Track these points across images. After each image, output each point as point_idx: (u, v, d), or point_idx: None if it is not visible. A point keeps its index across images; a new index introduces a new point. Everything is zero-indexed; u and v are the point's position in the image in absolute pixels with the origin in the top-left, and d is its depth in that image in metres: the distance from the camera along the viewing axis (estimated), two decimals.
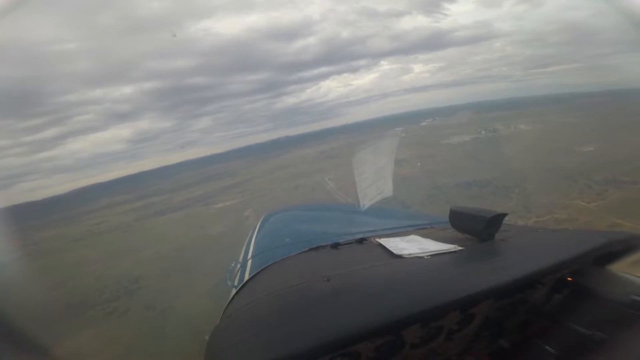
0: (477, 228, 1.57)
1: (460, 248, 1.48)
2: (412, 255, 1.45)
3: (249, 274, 1.95)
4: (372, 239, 1.87)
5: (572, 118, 54.67)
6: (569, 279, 1.38)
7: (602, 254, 1.33)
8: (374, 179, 2.45)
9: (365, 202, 2.45)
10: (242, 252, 2.84)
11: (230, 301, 1.56)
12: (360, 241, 1.91)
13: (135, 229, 49.23)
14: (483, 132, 56.47)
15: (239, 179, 67.80)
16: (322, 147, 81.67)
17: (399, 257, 1.47)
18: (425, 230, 2.15)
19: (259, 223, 3.59)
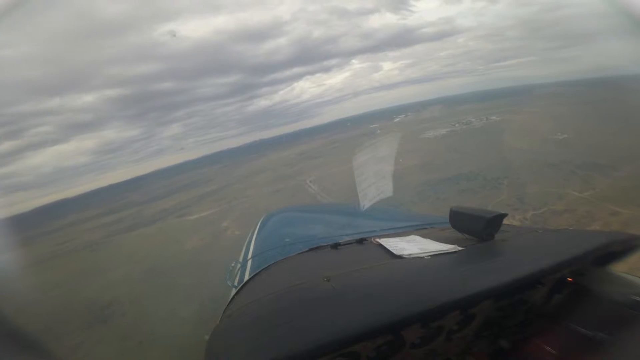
0: (477, 228, 1.57)
1: (460, 248, 1.48)
2: (412, 256, 1.46)
3: (249, 274, 1.93)
4: (372, 239, 1.86)
5: (537, 108, 56.65)
6: (569, 279, 1.38)
7: (602, 254, 1.34)
8: (373, 179, 2.44)
9: (365, 202, 2.43)
10: (242, 252, 2.77)
11: (230, 301, 1.53)
12: (360, 241, 1.90)
13: (105, 247, 45.50)
14: (457, 124, 57.59)
15: (214, 186, 64.75)
16: (299, 149, 79.97)
17: (399, 257, 1.48)
18: (425, 230, 2.14)
19: (259, 223, 3.52)
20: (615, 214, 18.13)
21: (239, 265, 2.47)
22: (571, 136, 36.03)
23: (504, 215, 1.56)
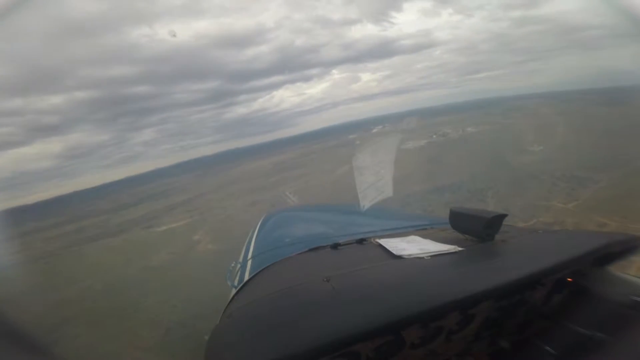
0: (477, 229, 1.59)
1: (460, 249, 1.49)
2: (412, 256, 1.47)
3: (249, 274, 1.92)
4: (372, 240, 1.87)
5: (509, 119, 57.95)
6: (568, 279, 1.40)
7: (602, 254, 1.36)
8: (373, 180, 2.48)
9: (365, 203, 2.50)
10: (242, 252, 2.79)
11: (230, 301, 1.52)
12: (360, 242, 1.91)
13: (62, 259, 41.46)
14: (434, 136, 58.59)
15: (186, 196, 61.27)
16: (277, 158, 77.54)
17: (399, 257, 1.49)
18: (425, 230, 2.17)
19: (259, 223, 3.48)
20: (602, 226, 18.41)
21: (239, 265, 2.41)
22: (547, 148, 36.47)
23: (504, 216, 1.58)
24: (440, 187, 31.53)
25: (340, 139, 77.10)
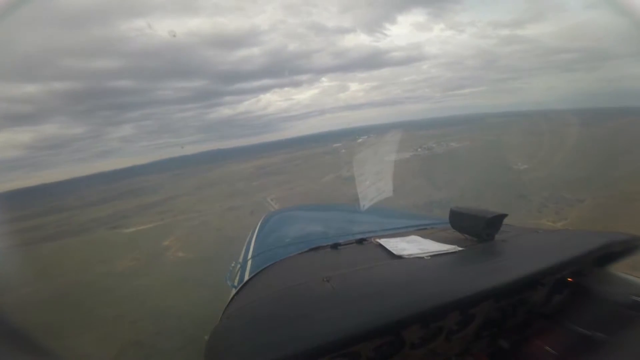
0: (477, 228, 1.60)
1: (460, 248, 1.50)
2: (412, 256, 1.47)
3: (249, 274, 1.90)
4: (372, 240, 1.88)
5: (491, 136, 58.26)
6: (569, 279, 1.41)
7: (602, 254, 1.37)
8: (373, 180, 2.49)
9: (365, 202, 2.48)
10: (242, 252, 2.76)
11: (230, 301, 1.50)
12: (360, 241, 1.92)
13: (9, 260, 35.39)
14: (419, 149, 58.41)
15: (160, 196, 57.67)
16: (260, 162, 74.79)
17: (399, 257, 1.49)
18: (425, 230, 2.17)
19: (259, 223, 3.45)
20: None
21: (239, 265, 2.37)
22: (532, 167, 36.35)
23: (504, 216, 1.59)
24: (427, 203, 30.43)
25: (326, 147, 75.76)
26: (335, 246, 1.88)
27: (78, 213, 54.28)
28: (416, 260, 1.43)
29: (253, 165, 73.79)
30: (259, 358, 0.84)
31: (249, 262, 2.35)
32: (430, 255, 1.44)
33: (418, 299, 1.04)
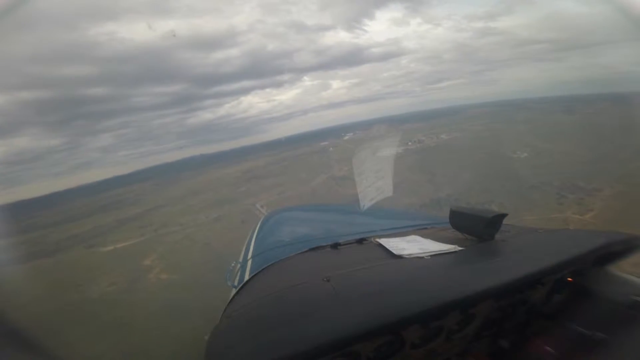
0: (477, 228, 1.60)
1: (460, 248, 1.50)
2: (412, 256, 1.47)
3: (249, 274, 1.91)
4: (372, 239, 1.87)
5: (479, 127, 56.89)
6: (569, 279, 1.42)
7: (602, 254, 1.38)
8: (373, 180, 2.48)
9: (365, 202, 2.50)
10: (242, 252, 2.77)
11: (230, 301, 1.51)
12: (360, 241, 1.91)
13: None
14: (410, 143, 55.09)
15: (140, 208, 53.67)
16: (245, 166, 70.79)
17: (399, 257, 1.48)
18: (425, 230, 2.17)
19: (259, 223, 3.42)
20: None
21: (239, 265, 2.37)
22: (531, 155, 34.57)
23: (504, 215, 1.59)
24: (434, 201, 27.95)
25: (312, 146, 72.79)
26: (335, 246, 1.88)
27: (53, 231, 49.70)
28: (416, 260, 1.43)
29: (238, 170, 70.20)
30: (259, 358, 0.85)
31: (249, 262, 2.34)
32: (430, 255, 1.45)
33: (418, 298, 1.04)
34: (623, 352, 1.07)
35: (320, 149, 67.58)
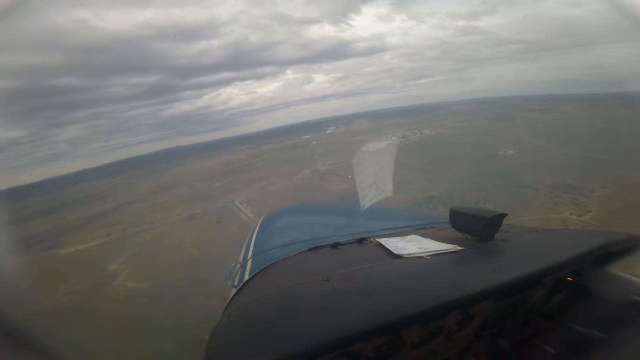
0: (477, 228, 1.59)
1: (460, 248, 1.50)
2: (412, 255, 1.46)
3: (249, 274, 1.88)
4: (372, 239, 1.86)
5: (461, 123, 56.60)
6: (568, 279, 1.43)
7: (602, 254, 1.40)
8: (373, 180, 2.49)
9: (365, 202, 2.51)
10: (242, 252, 2.72)
11: (230, 301, 1.50)
12: (360, 241, 1.89)
13: None
14: (394, 138, 54.15)
15: (107, 205, 48.99)
16: (223, 159, 66.90)
17: (399, 257, 1.48)
18: (425, 230, 2.16)
19: (259, 223, 3.36)
20: None
21: (239, 265, 2.32)
22: (517, 153, 33.93)
23: (503, 215, 1.59)
24: (426, 198, 26.54)
25: (295, 140, 70.17)
26: (335, 246, 1.88)
27: (10, 230, 44.11)
28: (416, 259, 1.43)
29: (215, 163, 66.82)
30: (259, 358, 0.85)
31: (249, 262, 2.32)
32: (430, 255, 1.45)
33: (418, 298, 1.04)
34: (623, 352, 1.08)
35: (302, 142, 65.49)
